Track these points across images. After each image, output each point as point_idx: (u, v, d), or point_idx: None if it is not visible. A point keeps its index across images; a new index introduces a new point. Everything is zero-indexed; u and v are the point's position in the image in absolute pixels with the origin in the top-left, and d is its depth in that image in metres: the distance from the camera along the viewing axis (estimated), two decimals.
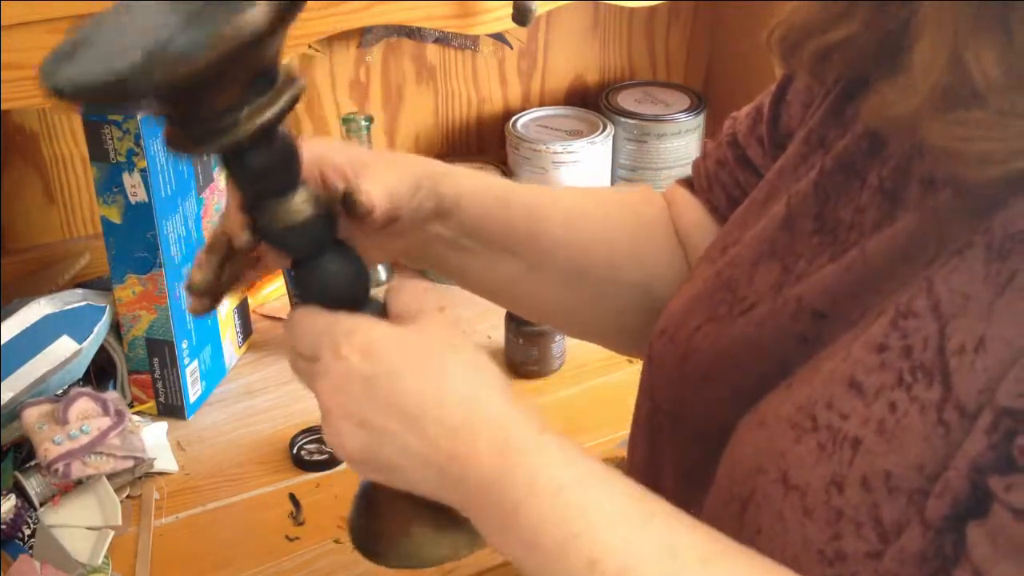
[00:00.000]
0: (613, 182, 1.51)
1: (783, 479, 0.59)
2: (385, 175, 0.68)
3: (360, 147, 0.72)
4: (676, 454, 0.72)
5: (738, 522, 0.61)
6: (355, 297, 0.63)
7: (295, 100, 0.58)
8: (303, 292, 0.63)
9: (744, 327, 0.67)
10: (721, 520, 0.62)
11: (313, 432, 1.20)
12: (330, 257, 0.62)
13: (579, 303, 0.83)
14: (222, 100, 0.55)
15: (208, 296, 0.67)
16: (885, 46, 0.61)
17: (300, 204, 0.60)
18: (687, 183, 0.85)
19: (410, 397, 0.57)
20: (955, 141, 0.53)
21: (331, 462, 1.17)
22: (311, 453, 1.18)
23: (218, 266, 0.67)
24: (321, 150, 0.67)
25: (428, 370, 0.58)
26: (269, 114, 0.56)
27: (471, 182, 0.76)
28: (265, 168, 0.59)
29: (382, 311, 0.63)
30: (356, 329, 0.59)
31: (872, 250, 0.61)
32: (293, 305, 0.67)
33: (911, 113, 0.54)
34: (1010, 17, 0.50)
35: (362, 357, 0.58)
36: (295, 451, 1.18)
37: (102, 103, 0.53)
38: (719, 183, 0.82)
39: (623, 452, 1.16)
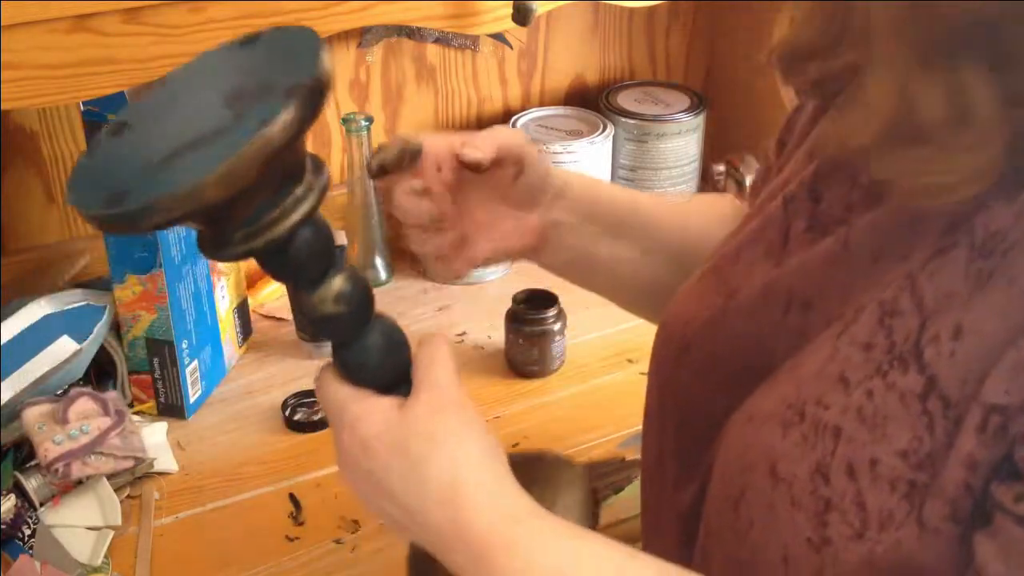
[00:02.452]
0: (613, 182, 1.51)
1: (772, 472, 0.60)
2: (498, 131, 0.78)
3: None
4: (675, 445, 0.74)
5: (732, 516, 0.62)
6: (381, 379, 0.64)
7: (324, 191, 0.57)
8: (337, 363, 0.64)
9: (736, 319, 0.68)
10: (717, 516, 0.64)
11: (304, 396, 1.24)
12: (364, 340, 0.63)
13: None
14: (249, 209, 0.54)
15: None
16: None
17: (336, 291, 0.60)
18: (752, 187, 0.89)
19: (400, 495, 0.62)
20: (904, 175, 0.54)
21: (324, 422, 1.21)
22: (307, 415, 1.23)
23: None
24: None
25: (411, 466, 0.61)
26: (298, 215, 0.56)
27: (566, 171, 0.85)
28: (303, 259, 0.59)
29: (410, 385, 0.64)
30: (357, 422, 0.62)
31: (854, 240, 0.62)
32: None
33: (863, 146, 0.55)
34: (956, 54, 0.50)
35: (361, 451, 0.62)
36: (287, 413, 1.22)
37: (110, 231, 0.54)
38: (754, 187, 0.84)
39: (624, 452, 1.17)
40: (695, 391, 0.71)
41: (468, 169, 0.77)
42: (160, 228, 0.52)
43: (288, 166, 0.55)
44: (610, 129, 1.47)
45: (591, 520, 0.74)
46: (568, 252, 0.84)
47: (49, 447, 1.08)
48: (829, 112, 0.60)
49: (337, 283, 0.61)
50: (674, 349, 0.72)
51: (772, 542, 0.60)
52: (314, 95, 0.52)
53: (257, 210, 0.55)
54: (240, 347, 1.34)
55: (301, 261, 0.59)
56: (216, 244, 0.57)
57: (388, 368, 0.64)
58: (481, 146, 0.76)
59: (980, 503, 0.53)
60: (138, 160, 0.53)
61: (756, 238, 0.70)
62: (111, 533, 1.07)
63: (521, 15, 1.15)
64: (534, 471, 0.65)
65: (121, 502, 1.10)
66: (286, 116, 0.51)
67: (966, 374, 0.54)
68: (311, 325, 0.62)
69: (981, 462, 0.53)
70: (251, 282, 1.40)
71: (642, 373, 1.29)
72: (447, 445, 0.61)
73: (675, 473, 0.73)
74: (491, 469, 0.62)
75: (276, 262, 0.59)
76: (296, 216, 0.56)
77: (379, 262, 1.43)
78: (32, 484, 1.09)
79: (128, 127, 0.57)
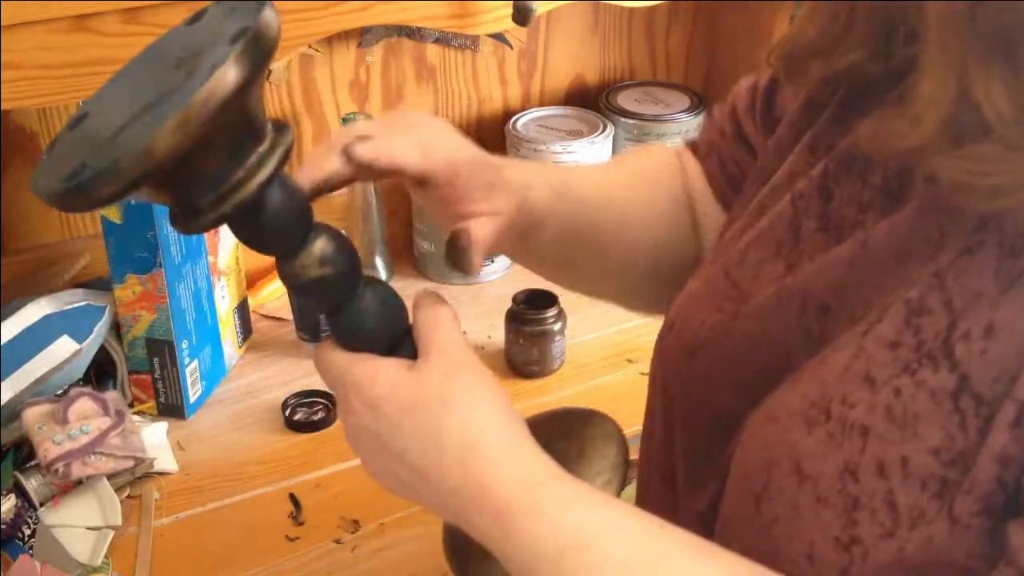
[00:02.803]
0: None
1: (796, 470, 0.59)
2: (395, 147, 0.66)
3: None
4: (685, 444, 0.73)
5: (753, 512, 0.62)
6: (380, 341, 0.63)
7: (289, 149, 0.57)
8: (333, 332, 0.63)
9: (749, 322, 0.67)
10: (738, 513, 0.63)
11: (304, 396, 1.25)
12: (357, 302, 0.62)
13: (611, 275, 0.86)
14: (210, 168, 0.54)
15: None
16: (887, 73, 0.61)
17: (319, 253, 0.59)
18: (694, 146, 0.87)
19: (412, 455, 0.60)
20: (965, 175, 0.52)
21: (324, 422, 1.22)
22: (307, 415, 1.24)
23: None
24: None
25: (425, 427, 0.60)
26: (263, 173, 0.55)
27: (526, 167, 0.76)
28: (273, 227, 0.58)
29: (412, 347, 0.63)
30: (362, 382, 0.61)
31: (874, 242, 0.61)
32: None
33: (919, 146, 0.54)
34: (1018, 51, 0.50)
35: (368, 412, 0.61)
36: (287, 413, 1.23)
37: (74, 207, 0.53)
38: (716, 153, 0.84)
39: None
40: (706, 392, 0.70)
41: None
42: (121, 196, 0.51)
43: (246, 123, 0.54)
44: (610, 129, 1.47)
45: (620, 478, 0.72)
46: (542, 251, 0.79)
47: (49, 447, 1.08)
48: (875, 111, 0.58)
49: (319, 245, 0.59)
50: (683, 351, 0.72)
51: (796, 539, 0.59)
52: (259, 38, 0.52)
53: (220, 171, 0.54)
54: (240, 347, 1.34)
55: (276, 225, 0.58)
56: (187, 215, 0.56)
57: (386, 330, 0.63)
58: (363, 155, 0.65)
59: (1013, 497, 0.53)
60: (95, 138, 0.53)
61: (764, 237, 0.69)
62: (111, 533, 1.07)
63: (521, 15, 1.15)
64: (563, 424, 0.64)
65: (121, 502, 1.10)
66: (232, 60, 0.50)
67: (999, 372, 0.53)
68: (298, 293, 0.61)
69: (1014, 457, 0.52)
70: (251, 282, 1.40)
71: (642, 373, 1.29)
72: (461, 405, 0.60)
73: (686, 475, 0.73)
74: (508, 430, 0.60)
75: (251, 229, 0.58)
76: (262, 175, 0.55)
77: (379, 262, 1.43)
78: (32, 484, 1.09)
79: (86, 116, 0.57)
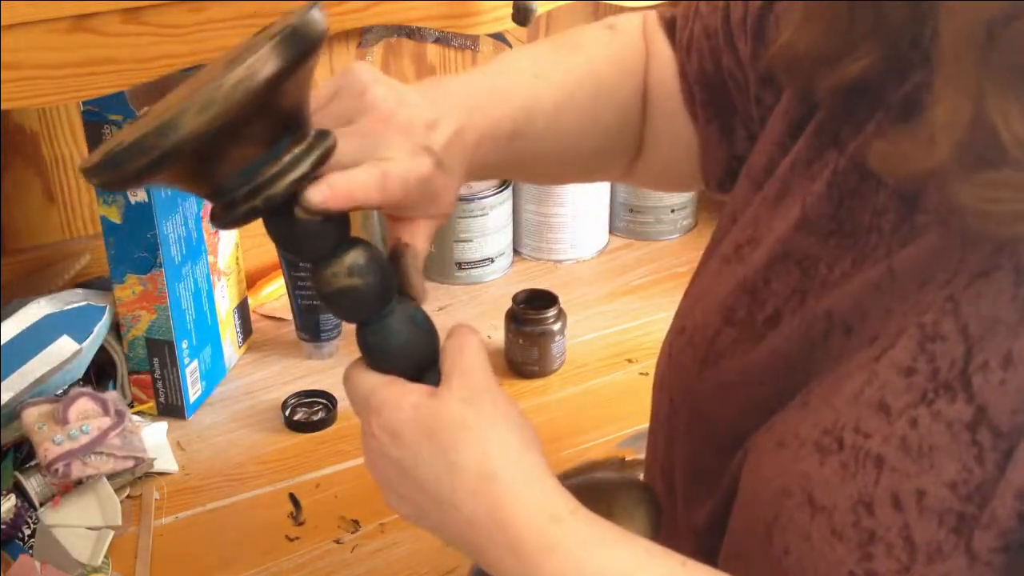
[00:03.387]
0: (613, 182, 1.51)
1: (809, 501, 0.58)
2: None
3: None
4: (687, 455, 0.72)
5: (765, 543, 0.60)
6: (406, 362, 0.62)
7: (327, 154, 0.57)
8: (362, 349, 0.63)
9: (772, 342, 0.65)
10: (747, 543, 0.62)
11: (304, 396, 1.25)
12: (389, 321, 0.61)
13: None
14: (243, 161, 0.54)
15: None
16: (896, 91, 0.60)
17: (349, 264, 0.59)
18: (671, 32, 0.80)
19: (430, 484, 0.59)
20: (985, 203, 0.51)
21: (324, 422, 1.22)
22: (307, 415, 1.24)
23: None
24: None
25: (443, 454, 0.58)
26: (297, 172, 0.55)
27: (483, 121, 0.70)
28: (304, 231, 0.58)
29: (439, 375, 0.62)
30: (385, 406, 0.60)
31: (900, 267, 0.59)
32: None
33: (932, 169, 0.52)
34: None
35: (389, 439, 0.59)
36: (287, 413, 1.23)
37: (106, 183, 0.54)
38: (698, 51, 0.77)
39: (624, 452, 1.16)
40: (715, 407, 0.69)
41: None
42: (148, 174, 0.52)
43: (282, 118, 0.55)
44: None
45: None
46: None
47: (49, 447, 1.08)
48: (886, 130, 0.57)
49: (352, 256, 0.59)
50: (696, 360, 0.70)
51: (810, 572, 0.57)
52: (298, 34, 0.53)
53: (254, 164, 0.55)
54: (240, 347, 1.34)
55: (309, 228, 0.58)
56: (221, 207, 0.56)
57: (413, 352, 0.62)
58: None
59: None
60: (143, 125, 0.54)
61: (778, 243, 0.67)
62: (111, 533, 1.07)
63: (521, 15, 1.15)
64: (591, 494, 0.62)
65: (121, 502, 1.10)
66: (268, 51, 0.51)
67: (1018, 403, 0.52)
68: (326, 302, 0.61)
69: None
70: (251, 282, 1.40)
71: (642, 373, 1.29)
72: (480, 433, 0.58)
73: (685, 488, 0.72)
74: (528, 460, 0.59)
75: (283, 229, 0.58)
76: (296, 173, 0.55)
77: None
78: (32, 484, 1.09)
79: (145, 114, 0.58)
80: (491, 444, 0.58)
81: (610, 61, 0.79)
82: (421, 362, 0.62)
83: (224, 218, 0.57)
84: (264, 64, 0.51)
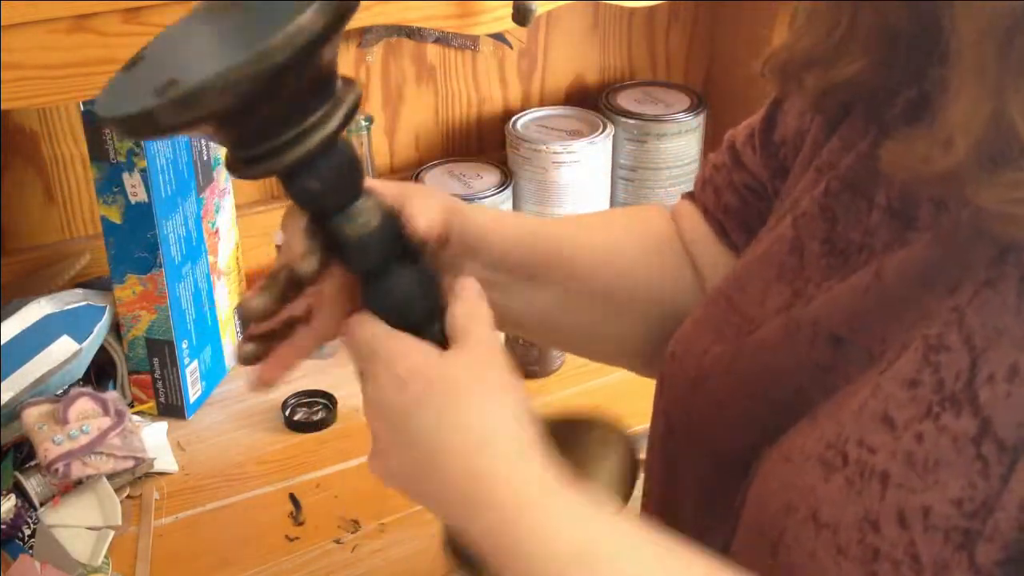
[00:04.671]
0: (613, 182, 1.51)
1: (813, 517, 0.57)
2: (427, 204, 0.66)
3: (398, 182, 0.70)
4: (694, 482, 0.71)
5: (770, 560, 0.60)
6: (413, 316, 0.63)
7: (356, 106, 0.57)
8: (368, 302, 0.63)
9: (758, 353, 0.65)
10: (752, 559, 0.61)
11: (304, 396, 1.25)
12: (396, 272, 0.62)
13: (607, 327, 0.82)
14: (279, 118, 0.54)
15: (260, 342, 0.66)
16: (908, 91, 0.60)
17: (367, 213, 0.60)
18: (690, 195, 0.84)
19: (423, 436, 0.59)
20: (1009, 204, 0.50)
21: (324, 422, 1.22)
22: (307, 415, 1.24)
23: (279, 296, 0.65)
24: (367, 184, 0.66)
25: (446, 410, 0.59)
26: (333, 124, 0.56)
27: (494, 215, 0.76)
28: (331, 181, 0.58)
29: (442, 333, 0.63)
30: (396, 355, 0.60)
31: (888, 272, 0.59)
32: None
33: (950, 171, 0.52)
34: None
35: (394, 385, 0.60)
36: (287, 413, 1.23)
37: (140, 135, 0.53)
38: (712, 184, 0.80)
39: None
40: (713, 428, 0.68)
41: None
42: (196, 123, 0.52)
43: (321, 74, 0.55)
44: (610, 129, 1.47)
45: (626, 487, 0.69)
46: None
47: (49, 447, 1.08)
48: (898, 132, 0.56)
49: (369, 197, 0.60)
50: (687, 381, 0.70)
51: None
52: None
53: (289, 121, 0.55)
54: None
55: (329, 181, 0.58)
56: (245, 159, 0.56)
57: (420, 301, 0.63)
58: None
59: None
60: (171, 65, 0.53)
61: (765, 259, 0.67)
62: (111, 533, 1.07)
63: (521, 15, 1.15)
64: (562, 438, 0.63)
65: (121, 502, 1.10)
66: (316, 6, 0.51)
67: (1022, 416, 0.51)
68: (335, 251, 0.61)
69: None
70: (251, 282, 1.40)
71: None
72: (484, 397, 0.59)
73: (693, 518, 0.71)
74: (526, 433, 0.59)
75: (303, 181, 0.58)
76: (330, 126, 0.56)
77: None
78: (32, 484, 1.09)
79: (141, 59, 0.57)
80: (492, 410, 0.59)
81: (643, 220, 0.85)
82: (426, 314, 0.63)
83: (251, 173, 0.57)
84: (313, 19, 0.51)
